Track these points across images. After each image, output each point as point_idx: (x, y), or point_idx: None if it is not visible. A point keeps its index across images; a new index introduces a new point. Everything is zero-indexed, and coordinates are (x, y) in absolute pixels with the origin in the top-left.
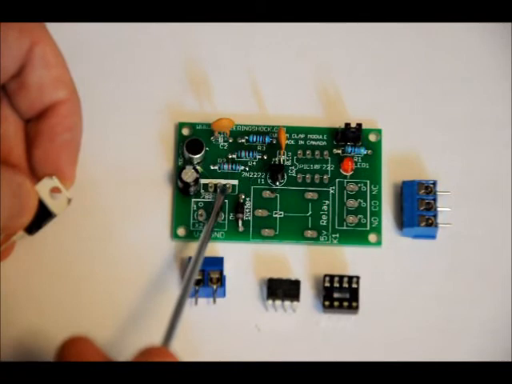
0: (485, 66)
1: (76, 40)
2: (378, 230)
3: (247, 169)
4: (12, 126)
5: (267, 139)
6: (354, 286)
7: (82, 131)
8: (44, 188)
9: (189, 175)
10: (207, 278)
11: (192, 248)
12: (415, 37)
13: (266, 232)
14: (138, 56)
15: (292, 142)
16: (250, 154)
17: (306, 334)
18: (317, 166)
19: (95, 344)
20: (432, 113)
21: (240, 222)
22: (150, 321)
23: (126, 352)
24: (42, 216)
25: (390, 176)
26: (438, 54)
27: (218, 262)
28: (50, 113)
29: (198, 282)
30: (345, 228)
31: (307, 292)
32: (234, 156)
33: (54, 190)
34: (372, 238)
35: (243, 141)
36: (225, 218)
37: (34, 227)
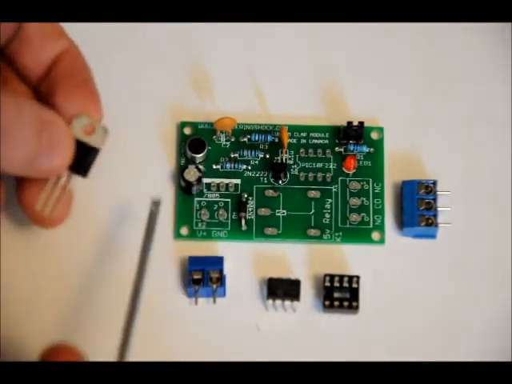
0: (485, 66)
1: (77, 40)
2: (381, 228)
3: (250, 168)
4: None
5: (269, 138)
6: (355, 285)
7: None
8: (77, 127)
9: (191, 174)
10: (207, 278)
11: (194, 247)
12: (416, 36)
13: (269, 231)
14: (140, 56)
15: (294, 141)
16: (253, 152)
17: (306, 334)
18: (319, 165)
19: (77, 351)
20: (432, 112)
21: (243, 221)
22: (151, 320)
23: None
24: (86, 154)
25: (391, 175)
26: (438, 53)
27: (217, 262)
28: (57, 62)
29: (198, 282)
30: (348, 226)
31: (307, 292)
32: (237, 155)
33: (88, 129)
34: (375, 236)
35: (245, 140)
36: (228, 217)
37: (81, 167)
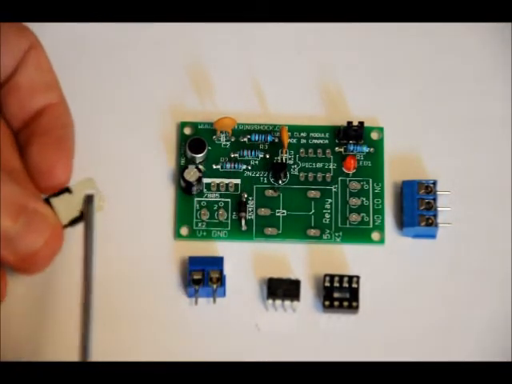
0: (485, 66)
1: (77, 40)
2: (381, 228)
3: (250, 168)
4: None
5: (269, 138)
6: (354, 285)
7: (74, 134)
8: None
9: (191, 174)
10: (207, 278)
11: (194, 247)
12: (416, 36)
13: (269, 231)
14: (140, 56)
15: (294, 141)
16: (253, 152)
17: (306, 334)
18: (319, 165)
19: None
20: (432, 112)
21: (243, 221)
22: (151, 320)
23: (125, 351)
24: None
25: (391, 175)
26: (438, 53)
27: (217, 262)
28: (42, 115)
29: (198, 282)
30: (348, 226)
31: (307, 292)
32: (237, 155)
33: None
34: (375, 236)
35: (245, 140)
36: (228, 217)
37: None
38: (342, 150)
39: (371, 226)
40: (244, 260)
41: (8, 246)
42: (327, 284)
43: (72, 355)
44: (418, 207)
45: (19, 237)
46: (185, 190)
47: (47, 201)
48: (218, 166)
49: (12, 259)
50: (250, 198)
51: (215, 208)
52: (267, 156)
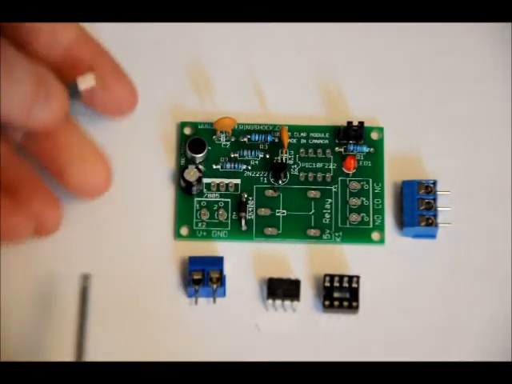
0: (485, 66)
1: None
2: (381, 228)
3: (250, 168)
4: None
5: (269, 138)
6: (354, 285)
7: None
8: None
9: (191, 174)
10: (207, 278)
11: (194, 247)
12: (416, 36)
13: (269, 231)
14: (140, 56)
15: (294, 141)
16: (253, 152)
17: (306, 334)
18: (319, 165)
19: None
20: (432, 112)
21: (243, 221)
22: (151, 320)
23: (125, 352)
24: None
25: (391, 175)
26: (438, 53)
27: (217, 262)
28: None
29: (198, 282)
30: (348, 226)
31: (307, 292)
32: (237, 155)
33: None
34: (375, 236)
35: (245, 140)
36: (228, 217)
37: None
38: (342, 150)
39: (371, 225)
40: (244, 260)
41: (28, 113)
42: (327, 284)
43: (72, 355)
44: (417, 207)
45: (38, 105)
46: (185, 190)
47: None
48: (218, 166)
49: (29, 126)
50: (250, 198)
51: (215, 208)
52: (267, 156)
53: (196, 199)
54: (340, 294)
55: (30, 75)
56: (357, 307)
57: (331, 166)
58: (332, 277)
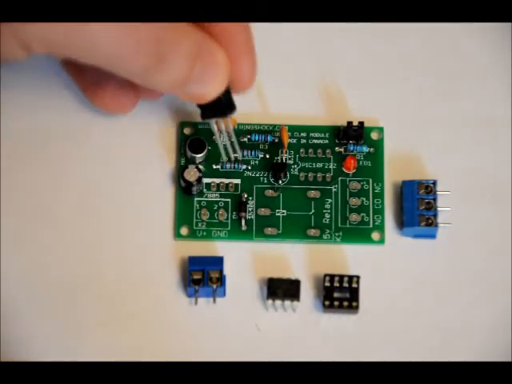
0: (485, 66)
1: None
2: (381, 228)
3: (250, 168)
4: None
5: (269, 138)
6: (354, 285)
7: None
8: None
9: (191, 174)
10: (207, 278)
11: (194, 247)
12: (416, 36)
13: (269, 231)
14: None
15: (294, 141)
16: (253, 152)
17: (306, 334)
18: (319, 165)
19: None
20: (432, 112)
21: (243, 221)
22: (151, 320)
23: (125, 351)
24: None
25: (390, 175)
26: (438, 53)
27: (217, 262)
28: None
29: (197, 282)
30: (348, 226)
31: (307, 292)
32: (237, 155)
33: None
34: (375, 236)
35: (245, 140)
36: (228, 217)
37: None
38: (342, 150)
39: (371, 225)
40: (244, 260)
41: (181, 89)
42: (327, 284)
43: (72, 355)
44: (418, 207)
45: (193, 82)
46: (185, 190)
47: None
48: (218, 166)
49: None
50: (250, 198)
51: (215, 208)
52: (267, 156)
53: (196, 199)
54: (340, 294)
55: (189, 53)
56: (357, 307)
57: (331, 166)
58: (332, 277)
